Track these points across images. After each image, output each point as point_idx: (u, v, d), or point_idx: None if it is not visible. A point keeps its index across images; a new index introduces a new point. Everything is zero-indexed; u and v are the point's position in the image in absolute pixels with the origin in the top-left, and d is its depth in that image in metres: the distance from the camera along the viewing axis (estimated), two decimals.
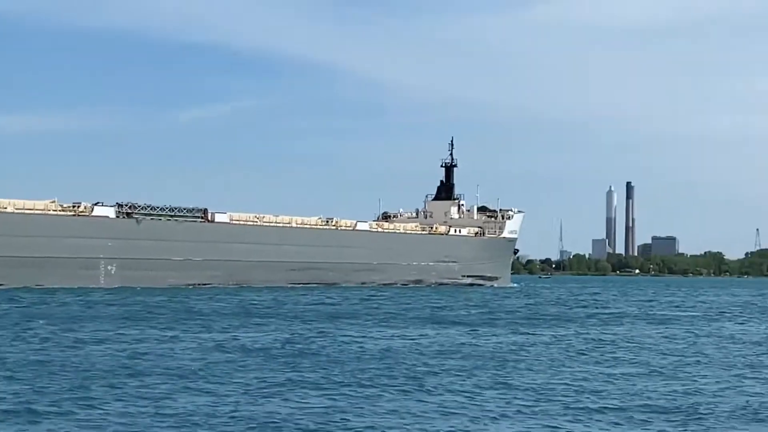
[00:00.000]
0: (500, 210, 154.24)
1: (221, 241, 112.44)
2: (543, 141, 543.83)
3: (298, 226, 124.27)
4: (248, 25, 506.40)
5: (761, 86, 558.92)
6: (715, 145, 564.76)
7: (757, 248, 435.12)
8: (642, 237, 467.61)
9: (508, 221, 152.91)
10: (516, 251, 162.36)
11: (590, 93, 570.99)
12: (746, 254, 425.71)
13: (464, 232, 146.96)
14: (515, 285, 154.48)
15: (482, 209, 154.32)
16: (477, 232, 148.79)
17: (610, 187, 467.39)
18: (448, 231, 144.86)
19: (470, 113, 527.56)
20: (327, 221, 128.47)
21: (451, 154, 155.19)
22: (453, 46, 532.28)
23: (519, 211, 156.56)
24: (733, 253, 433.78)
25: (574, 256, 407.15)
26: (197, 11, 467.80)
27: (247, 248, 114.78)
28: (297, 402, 23.76)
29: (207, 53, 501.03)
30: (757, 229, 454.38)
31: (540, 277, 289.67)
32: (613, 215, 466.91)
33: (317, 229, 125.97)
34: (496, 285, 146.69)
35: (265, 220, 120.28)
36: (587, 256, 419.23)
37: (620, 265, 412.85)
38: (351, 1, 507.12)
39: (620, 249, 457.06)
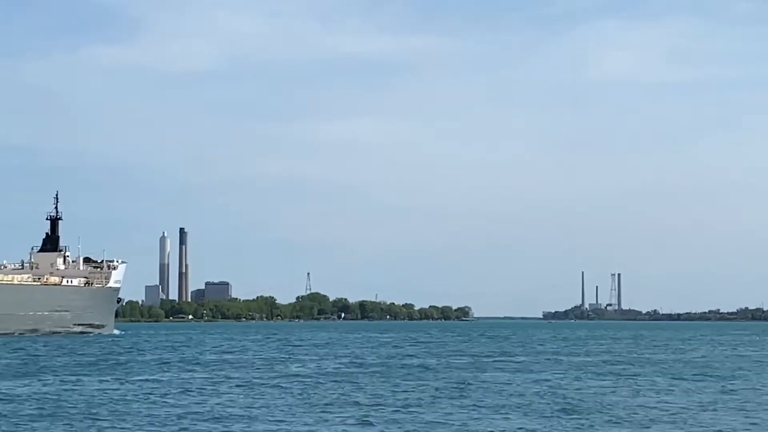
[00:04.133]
0: (105, 260, 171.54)
1: None
2: (97, 185, 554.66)
3: None
4: None
5: (310, 133, 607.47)
6: (262, 189, 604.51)
7: (308, 292, 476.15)
8: (196, 283, 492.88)
9: (113, 271, 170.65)
10: (119, 300, 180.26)
11: (145, 136, 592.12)
12: (297, 298, 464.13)
13: (75, 282, 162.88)
14: (118, 332, 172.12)
15: (87, 260, 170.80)
16: (86, 282, 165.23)
17: (164, 232, 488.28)
18: (61, 281, 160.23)
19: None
20: None
21: (56, 207, 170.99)
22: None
23: (122, 262, 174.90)
24: (285, 297, 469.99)
25: (127, 302, 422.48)
26: None
27: None
28: None
29: None
30: (308, 273, 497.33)
31: None
32: (166, 261, 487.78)
33: None
34: (103, 333, 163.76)
35: None
36: (140, 302, 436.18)
37: (174, 311, 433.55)
38: None
39: (174, 295, 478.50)
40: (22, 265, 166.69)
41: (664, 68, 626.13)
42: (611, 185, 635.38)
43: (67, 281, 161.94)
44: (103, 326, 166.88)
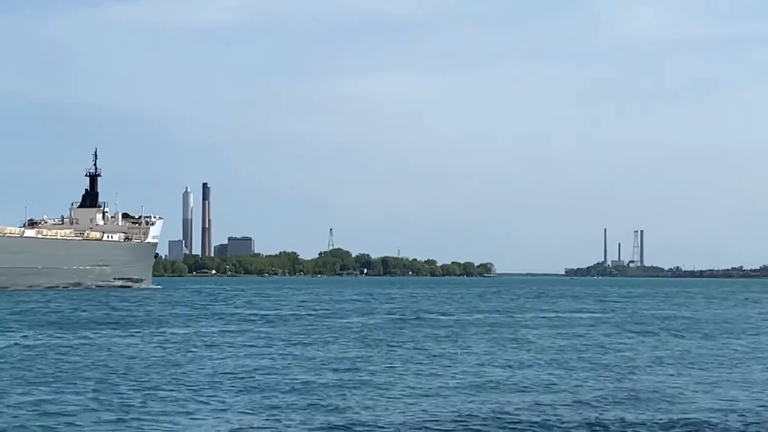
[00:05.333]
0: (143, 216, 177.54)
1: None
2: (121, 140, 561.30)
3: None
4: None
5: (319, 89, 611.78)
6: (285, 146, 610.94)
7: (331, 248, 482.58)
8: (219, 238, 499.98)
9: (151, 227, 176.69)
10: (156, 255, 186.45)
11: (168, 92, 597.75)
12: (320, 254, 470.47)
13: (115, 237, 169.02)
14: (158, 286, 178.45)
15: (126, 216, 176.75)
16: (125, 238, 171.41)
17: (187, 188, 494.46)
18: (102, 237, 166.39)
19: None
20: None
21: (95, 164, 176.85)
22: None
23: (159, 218, 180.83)
24: (308, 253, 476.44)
25: None
26: None
27: None
28: None
29: None
30: (331, 229, 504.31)
31: None
32: (189, 216, 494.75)
33: None
34: (142, 287, 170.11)
35: None
36: (164, 257, 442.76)
37: (197, 266, 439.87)
38: None
39: (197, 250, 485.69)
40: (62, 220, 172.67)
41: (693, 24, 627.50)
42: (634, 142, 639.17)
43: (108, 236, 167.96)
44: (141, 280, 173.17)
